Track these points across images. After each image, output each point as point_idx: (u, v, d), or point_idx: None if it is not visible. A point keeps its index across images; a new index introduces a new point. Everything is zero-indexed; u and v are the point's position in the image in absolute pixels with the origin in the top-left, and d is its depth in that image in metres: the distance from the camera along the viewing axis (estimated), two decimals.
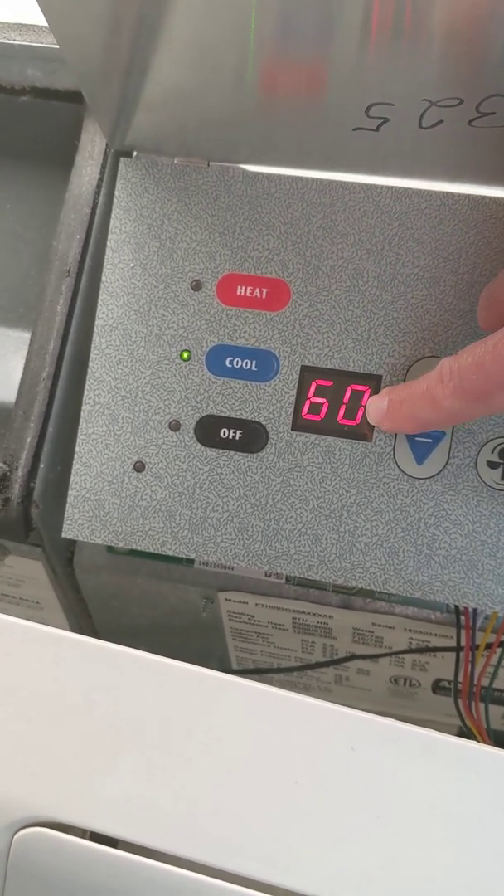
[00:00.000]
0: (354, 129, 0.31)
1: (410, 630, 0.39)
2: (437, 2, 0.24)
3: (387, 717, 0.27)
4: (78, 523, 0.35)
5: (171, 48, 0.28)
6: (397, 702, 0.46)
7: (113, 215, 0.35)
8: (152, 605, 0.43)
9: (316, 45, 0.27)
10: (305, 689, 0.46)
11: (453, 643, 0.38)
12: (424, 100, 0.29)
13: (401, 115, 0.30)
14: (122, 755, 0.28)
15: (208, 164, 0.35)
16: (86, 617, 0.46)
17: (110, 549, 0.40)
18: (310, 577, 0.33)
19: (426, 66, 0.27)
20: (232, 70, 0.29)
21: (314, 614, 0.39)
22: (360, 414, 0.33)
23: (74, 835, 0.28)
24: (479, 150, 0.31)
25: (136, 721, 0.28)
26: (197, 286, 0.35)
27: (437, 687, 0.43)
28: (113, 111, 0.33)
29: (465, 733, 0.39)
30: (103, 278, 0.35)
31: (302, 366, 0.34)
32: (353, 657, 0.41)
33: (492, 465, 0.32)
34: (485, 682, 0.38)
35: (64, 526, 0.35)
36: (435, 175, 0.34)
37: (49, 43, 0.41)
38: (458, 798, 0.26)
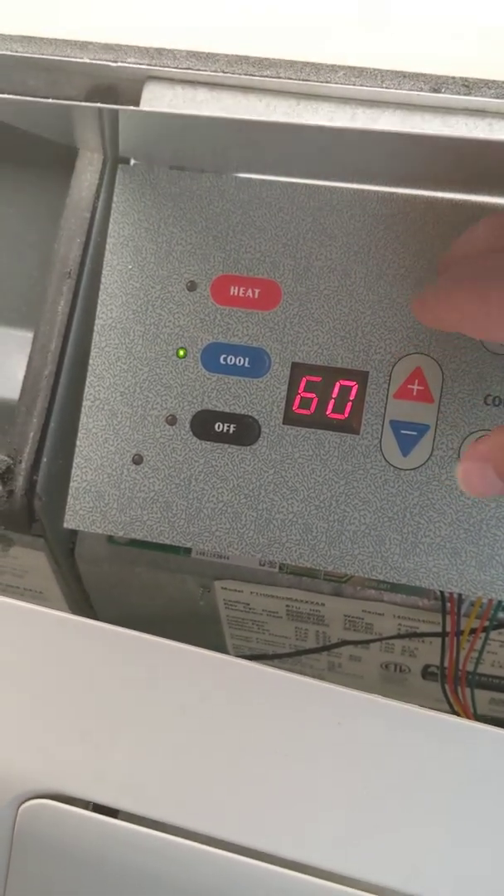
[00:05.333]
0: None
1: (399, 616, 0.40)
2: None
3: (371, 694, 0.28)
4: (79, 514, 0.36)
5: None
6: (389, 688, 0.47)
7: (112, 219, 0.37)
8: (151, 594, 0.44)
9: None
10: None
11: (440, 629, 0.39)
12: None
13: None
14: (121, 730, 0.29)
15: (202, 172, 0.37)
16: (88, 607, 0.48)
17: (110, 539, 0.42)
18: (301, 565, 0.35)
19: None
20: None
21: (307, 602, 0.41)
22: (347, 408, 0.35)
23: (78, 806, 0.30)
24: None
25: (134, 697, 0.29)
26: (192, 287, 0.36)
27: (427, 673, 0.45)
28: (95, 137, 0.35)
29: None
30: (103, 280, 0.37)
31: (293, 362, 0.35)
32: (343, 643, 0.43)
33: None
34: (470, 666, 0.39)
35: (65, 517, 0.36)
36: (419, 185, 0.35)
37: (50, 54, 0.42)
38: (439, 768, 0.28)
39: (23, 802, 0.29)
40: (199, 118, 0.28)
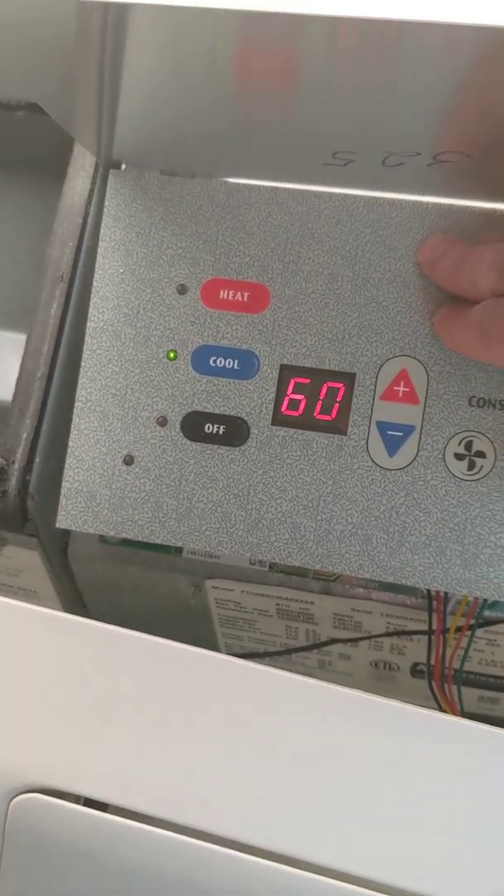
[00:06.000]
0: (324, 165, 0.33)
1: (387, 615, 0.41)
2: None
3: (355, 689, 0.29)
4: (71, 514, 0.37)
5: (138, 85, 0.30)
6: (379, 686, 0.48)
7: (103, 224, 0.38)
8: (144, 593, 0.45)
9: (279, 100, 0.29)
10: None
11: (427, 627, 0.40)
12: (385, 151, 0.31)
13: (364, 159, 0.32)
14: (112, 726, 0.30)
15: (192, 177, 0.37)
16: (81, 606, 0.48)
17: (103, 539, 0.42)
18: (289, 564, 0.35)
19: (382, 129, 0.29)
20: (203, 111, 0.31)
21: (297, 600, 0.41)
22: (335, 409, 0.35)
23: (69, 801, 0.30)
24: (442, 178, 0.34)
25: (124, 694, 0.30)
26: (182, 290, 0.37)
27: (416, 671, 0.45)
28: (91, 137, 0.35)
29: None
30: (94, 283, 0.37)
31: (281, 364, 0.36)
32: (333, 641, 0.44)
33: (458, 456, 0.34)
34: (457, 664, 0.40)
35: (58, 516, 0.37)
36: (403, 190, 0.36)
37: None
38: (423, 763, 0.28)
39: (14, 797, 0.30)
40: (193, 10, 0.26)
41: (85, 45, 0.27)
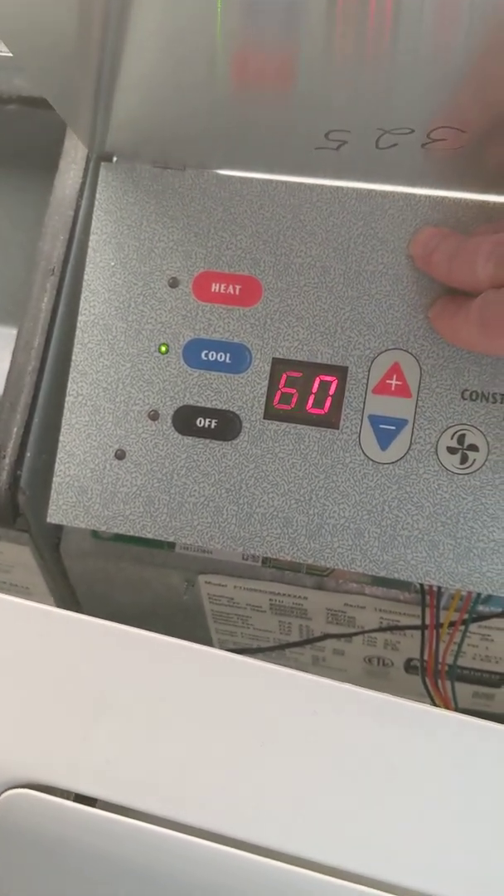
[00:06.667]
0: (316, 149, 0.33)
1: (381, 610, 0.41)
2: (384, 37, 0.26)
3: (346, 683, 0.29)
4: (62, 509, 0.37)
5: (136, 60, 0.30)
6: (372, 682, 0.48)
7: (94, 217, 0.37)
8: (137, 589, 0.45)
9: (275, 75, 0.29)
10: None
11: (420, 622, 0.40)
12: (379, 128, 0.31)
13: (358, 139, 0.32)
14: (102, 721, 0.30)
15: (184, 169, 0.37)
16: (74, 603, 0.48)
17: (95, 534, 0.42)
18: (281, 558, 0.35)
19: (377, 101, 0.29)
20: (199, 83, 0.31)
21: (290, 595, 0.41)
22: (327, 403, 0.35)
23: (59, 796, 0.30)
24: (434, 164, 0.33)
25: (114, 688, 0.30)
26: (174, 283, 0.37)
27: (409, 666, 0.45)
28: (86, 123, 0.35)
29: None
30: (86, 277, 0.37)
31: (273, 358, 0.36)
32: (326, 636, 0.43)
33: (451, 450, 0.34)
34: (450, 659, 0.40)
35: (49, 511, 0.37)
36: (396, 181, 0.36)
37: None
38: (413, 756, 0.28)
39: (3, 792, 0.30)
40: None
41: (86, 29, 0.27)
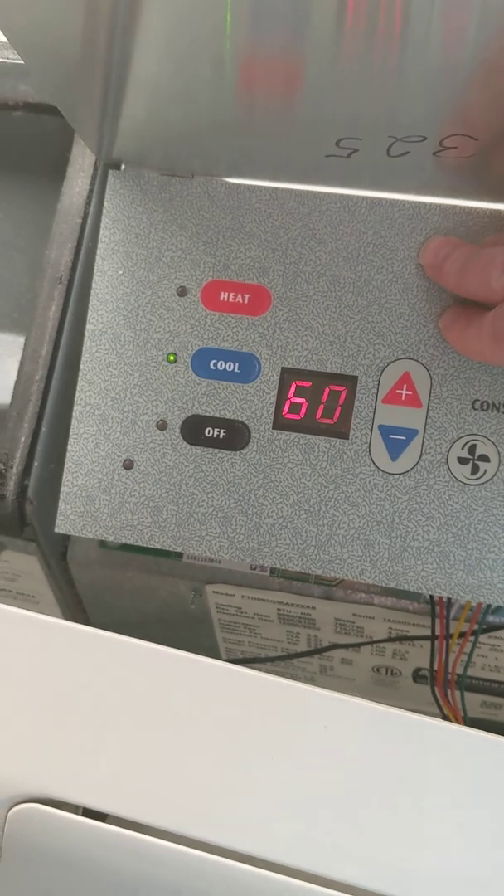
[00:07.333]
0: (327, 156, 0.33)
1: (389, 620, 0.40)
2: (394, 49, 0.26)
3: (356, 697, 0.28)
4: (70, 519, 0.36)
5: (145, 69, 0.30)
6: (380, 691, 0.47)
7: (102, 225, 0.37)
8: (144, 598, 0.45)
9: (285, 84, 0.29)
10: (291, 679, 0.48)
11: (430, 632, 0.39)
12: (390, 136, 0.30)
13: (369, 147, 0.32)
14: (111, 735, 0.30)
15: (193, 177, 0.37)
16: (81, 611, 0.48)
17: (103, 544, 0.42)
18: (290, 569, 0.35)
19: (390, 108, 0.29)
20: (208, 92, 0.31)
21: (298, 605, 0.41)
22: (337, 413, 0.35)
23: (67, 811, 0.30)
24: (445, 172, 0.33)
25: (123, 702, 0.30)
26: (182, 292, 0.36)
27: (418, 676, 0.45)
28: (94, 131, 0.35)
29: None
30: (93, 285, 0.37)
31: (282, 367, 0.36)
32: (334, 646, 0.43)
33: (462, 461, 0.34)
34: (460, 669, 0.39)
35: (56, 521, 0.36)
36: (405, 190, 0.35)
37: None
38: (425, 771, 0.28)
39: (11, 807, 0.29)
40: None
41: (92, 33, 0.27)
